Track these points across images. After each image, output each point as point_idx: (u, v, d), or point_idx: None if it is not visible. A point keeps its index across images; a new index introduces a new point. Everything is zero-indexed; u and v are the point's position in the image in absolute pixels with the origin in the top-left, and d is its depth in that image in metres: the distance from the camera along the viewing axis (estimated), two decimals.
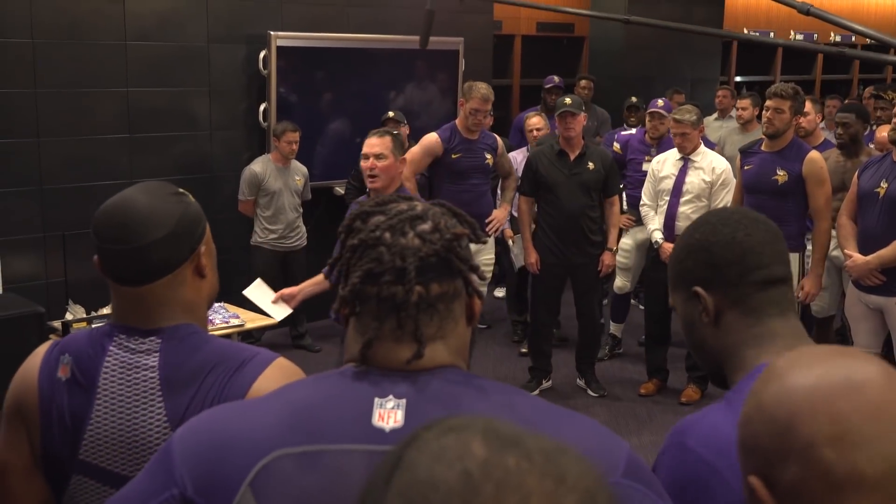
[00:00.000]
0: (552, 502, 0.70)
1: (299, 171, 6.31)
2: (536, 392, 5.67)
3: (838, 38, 11.80)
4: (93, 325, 3.31)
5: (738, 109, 7.41)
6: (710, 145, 6.11)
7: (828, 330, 5.80)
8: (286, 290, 4.15)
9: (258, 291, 4.27)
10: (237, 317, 5.10)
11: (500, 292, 7.64)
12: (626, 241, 6.25)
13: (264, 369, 1.54)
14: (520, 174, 5.87)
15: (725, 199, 5.37)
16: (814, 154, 5.00)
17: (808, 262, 5.15)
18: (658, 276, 5.45)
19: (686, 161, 5.49)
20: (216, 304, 4.92)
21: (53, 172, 5.68)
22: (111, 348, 1.59)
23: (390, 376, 1.18)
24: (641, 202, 5.74)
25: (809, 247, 5.15)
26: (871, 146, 5.76)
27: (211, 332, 1.67)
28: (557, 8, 3.21)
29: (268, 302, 4.18)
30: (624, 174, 6.40)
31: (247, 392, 1.51)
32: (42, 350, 1.66)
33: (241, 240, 6.21)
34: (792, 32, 11.38)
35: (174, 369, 1.56)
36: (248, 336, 5.75)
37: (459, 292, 1.22)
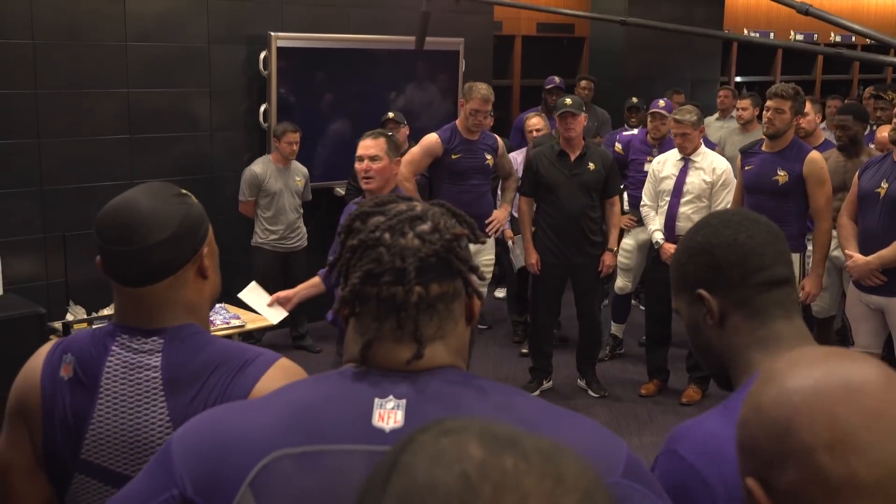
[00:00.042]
0: (550, 503, 0.70)
1: (300, 171, 6.31)
2: (537, 392, 5.67)
3: (838, 39, 11.79)
4: (94, 326, 3.31)
5: (738, 110, 7.40)
6: (710, 146, 6.10)
7: (828, 330, 5.79)
8: (282, 294, 4.07)
9: (253, 294, 4.21)
10: (238, 318, 5.10)
11: (500, 293, 7.64)
12: (628, 242, 6.25)
13: (267, 370, 1.54)
14: (520, 175, 5.87)
15: (726, 199, 5.36)
16: (814, 154, 5.00)
17: (808, 263, 5.15)
18: (658, 277, 5.45)
19: (686, 161, 5.49)
20: (216, 305, 4.90)
21: (54, 173, 5.68)
22: (114, 348, 1.59)
23: (390, 377, 1.18)
24: (642, 202, 5.74)
25: (810, 247, 5.14)
26: (872, 146, 5.76)
27: (212, 333, 1.67)
28: (553, 9, 3.20)
29: (263, 305, 4.10)
30: (626, 175, 6.40)
31: (249, 392, 1.51)
32: (45, 350, 1.66)
33: (241, 240, 6.21)
34: (792, 33, 11.37)
35: (177, 369, 1.56)
36: (249, 337, 5.74)
37: (459, 293, 1.22)
